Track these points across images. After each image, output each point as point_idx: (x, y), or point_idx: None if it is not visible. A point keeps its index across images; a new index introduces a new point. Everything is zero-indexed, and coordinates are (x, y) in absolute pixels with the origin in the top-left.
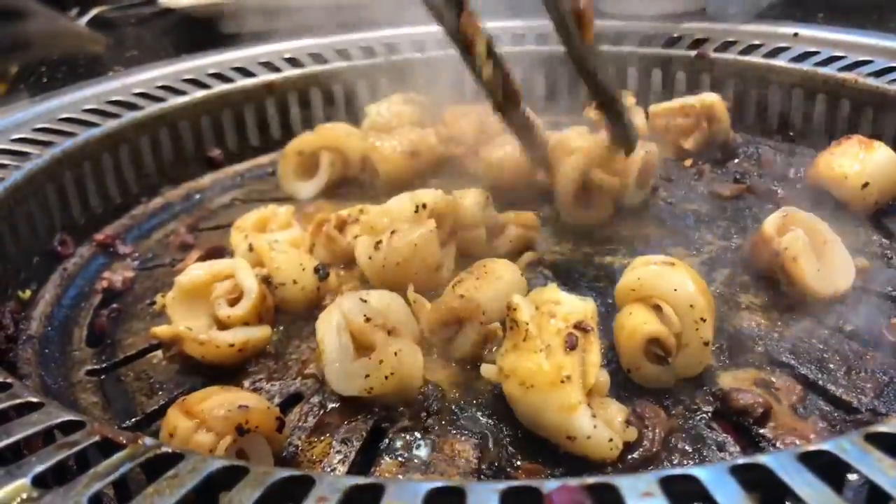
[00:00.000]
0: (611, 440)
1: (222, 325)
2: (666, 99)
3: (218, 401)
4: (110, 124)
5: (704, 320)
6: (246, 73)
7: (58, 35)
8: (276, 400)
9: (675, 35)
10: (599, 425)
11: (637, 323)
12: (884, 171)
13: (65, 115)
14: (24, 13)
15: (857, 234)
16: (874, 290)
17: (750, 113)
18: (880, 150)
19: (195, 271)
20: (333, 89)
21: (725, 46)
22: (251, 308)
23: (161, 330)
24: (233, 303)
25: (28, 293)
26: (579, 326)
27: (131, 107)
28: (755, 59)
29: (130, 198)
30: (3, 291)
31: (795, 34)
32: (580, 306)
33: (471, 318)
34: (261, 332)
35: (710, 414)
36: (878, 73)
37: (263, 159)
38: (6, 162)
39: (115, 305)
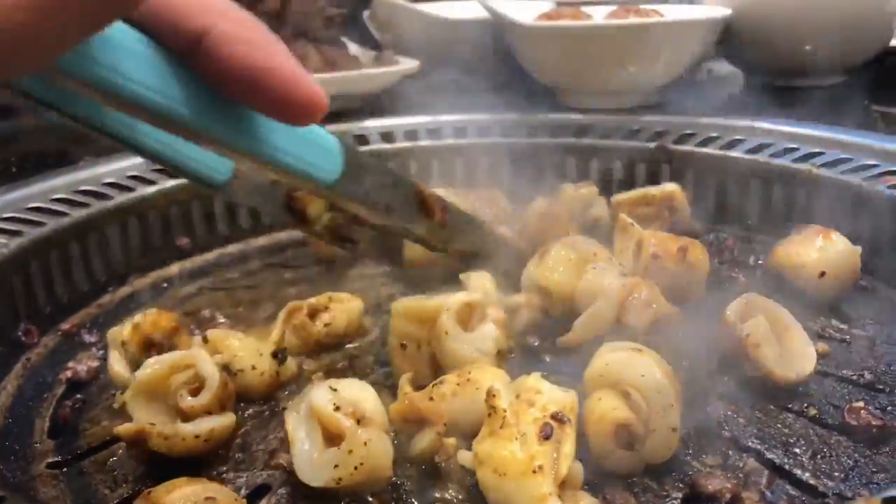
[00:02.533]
0: None
1: (185, 416)
2: (628, 189)
3: (184, 493)
4: (79, 214)
5: (672, 406)
6: None
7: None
8: (244, 491)
9: (636, 128)
10: None
11: (606, 409)
12: (840, 260)
13: (33, 205)
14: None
15: (815, 320)
16: (835, 375)
17: (709, 202)
18: (837, 240)
19: (153, 365)
20: None
21: (684, 138)
22: (213, 397)
23: (124, 429)
24: (194, 392)
25: None
26: (556, 417)
27: (101, 196)
28: (713, 150)
29: (98, 287)
30: None
31: (751, 127)
32: (560, 397)
33: (432, 424)
34: (226, 421)
35: (679, 500)
36: (831, 164)
37: (232, 248)
38: None
39: (79, 396)
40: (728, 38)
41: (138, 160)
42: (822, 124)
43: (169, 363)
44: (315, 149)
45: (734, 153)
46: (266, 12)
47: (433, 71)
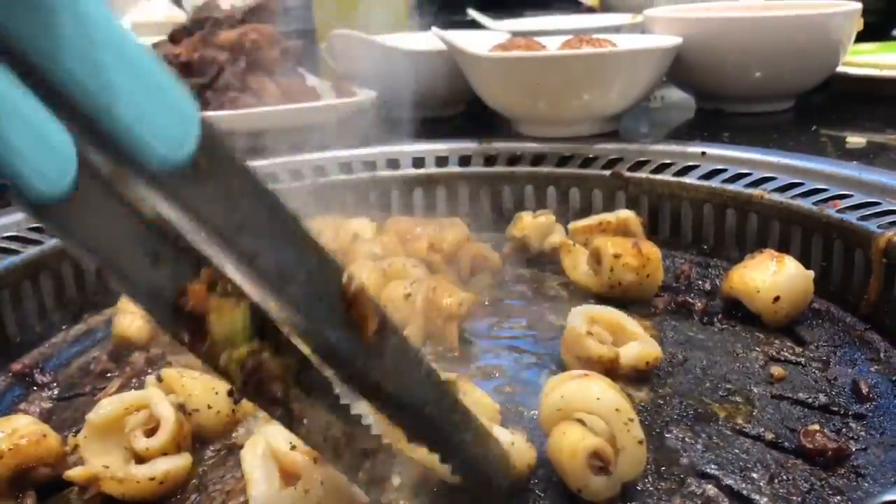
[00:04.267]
0: None
1: (140, 458)
2: (584, 216)
3: None
4: (31, 252)
5: (632, 420)
6: None
7: None
8: None
9: (591, 156)
10: None
11: (575, 441)
12: (793, 285)
13: None
14: None
15: (771, 344)
16: (790, 398)
17: (665, 227)
18: (790, 264)
19: (106, 406)
20: None
21: (639, 165)
22: (170, 437)
23: (76, 473)
24: (149, 433)
25: None
26: None
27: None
28: (666, 177)
29: (51, 325)
30: None
31: (703, 153)
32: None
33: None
34: (182, 461)
35: None
36: (782, 189)
37: None
38: None
39: None
40: (679, 66)
41: None
42: (773, 149)
43: (123, 404)
44: (157, 101)
45: (687, 179)
46: (222, 45)
47: (390, 101)
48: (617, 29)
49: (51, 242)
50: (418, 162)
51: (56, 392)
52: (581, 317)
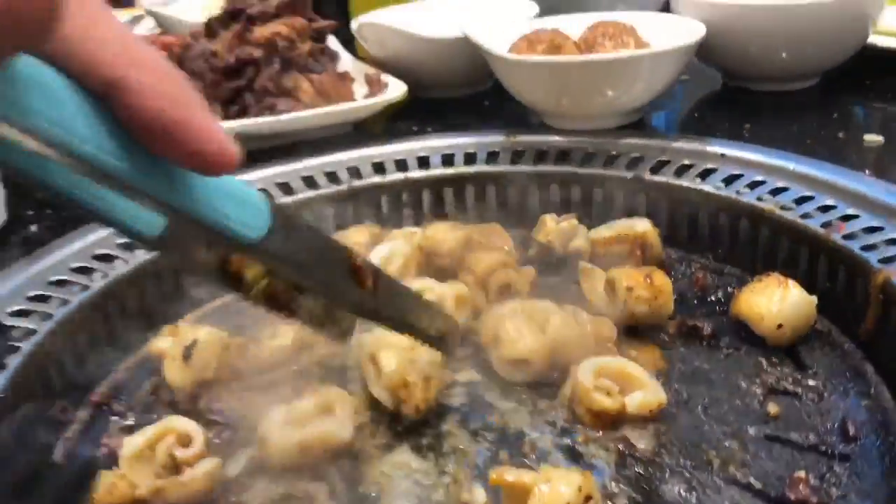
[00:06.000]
0: None
1: (179, 470)
2: (607, 214)
3: None
4: (98, 283)
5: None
6: None
7: None
8: None
9: (615, 153)
10: None
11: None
12: (796, 312)
13: (54, 278)
14: None
15: (773, 370)
16: (782, 439)
17: (682, 230)
18: (793, 291)
19: (133, 442)
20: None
21: (660, 166)
22: (204, 442)
23: (143, 492)
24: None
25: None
26: None
27: (111, 259)
28: (685, 182)
29: (117, 351)
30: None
31: (722, 155)
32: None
33: None
34: (217, 461)
35: None
36: (795, 202)
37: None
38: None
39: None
40: (705, 47)
41: None
42: (790, 153)
43: (146, 438)
44: (239, 204)
45: (706, 187)
46: (257, 42)
47: (418, 85)
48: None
49: (116, 270)
50: (447, 159)
51: (133, 420)
52: (588, 372)
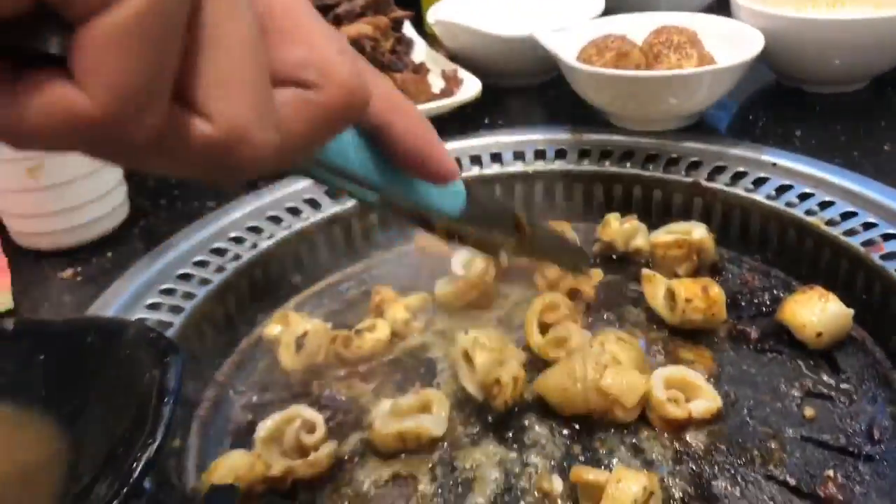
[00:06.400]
0: None
1: (304, 452)
2: (666, 214)
3: None
4: (218, 277)
5: None
6: (315, 204)
7: None
8: None
9: (675, 155)
10: None
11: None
12: (835, 322)
13: (182, 272)
14: None
15: (811, 373)
16: (815, 439)
17: (734, 233)
18: (833, 303)
19: (266, 426)
20: None
21: (716, 171)
22: (325, 429)
23: (275, 471)
24: (310, 432)
25: (178, 441)
26: None
27: (224, 252)
28: (738, 191)
29: (233, 334)
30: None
31: (774, 164)
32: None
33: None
34: (334, 444)
35: None
36: (842, 217)
37: (334, 277)
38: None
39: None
40: (761, 52)
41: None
42: (837, 167)
43: (275, 422)
44: (450, 195)
45: (757, 196)
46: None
47: (489, 77)
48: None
49: (231, 265)
50: (519, 155)
51: (255, 399)
52: (660, 383)
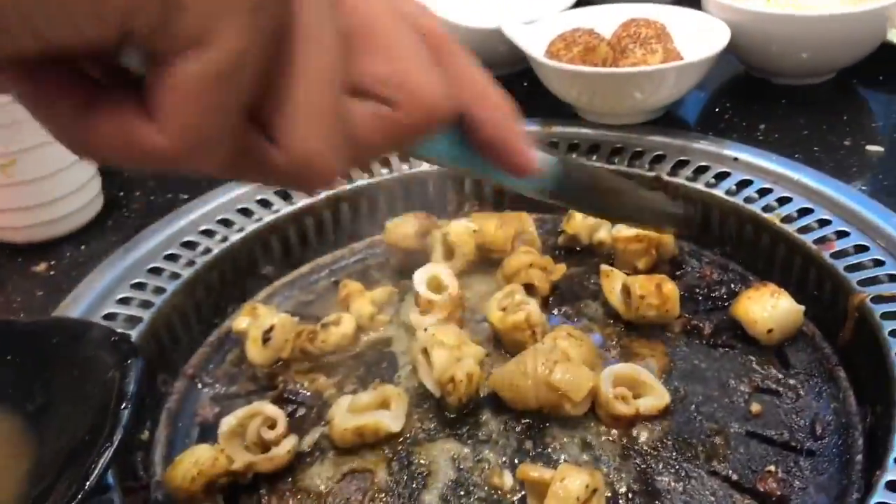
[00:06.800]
0: None
1: (265, 447)
2: None
3: None
4: (188, 272)
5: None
6: (285, 196)
7: None
8: None
9: (639, 149)
10: None
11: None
12: (786, 319)
13: (152, 265)
14: None
15: (761, 369)
16: (760, 435)
17: (696, 225)
18: (784, 300)
19: (228, 422)
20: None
21: (679, 166)
22: (286, 425)
23: (238, 465)
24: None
25: (146, 434)
26: None
27: (194, 246)
28: (699, 185)
29: (204, 326)
30: (130, 437)
31: (735, 158)
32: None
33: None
34: (295, 439)
35: None
36: (799, 213)
37: (304, 268)
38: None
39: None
40: (730, 44)
41: (221, 214)
42: (800, 162)
43: (237, 418)
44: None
45: (717, 191)
46: None
47: None
48: None
49: (200, 259)
50: None
51: (222, 391)
52: (608, 380)
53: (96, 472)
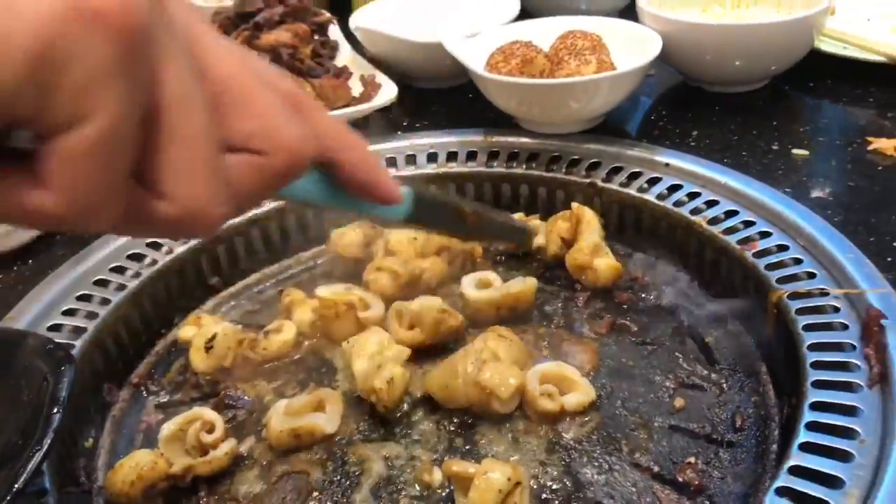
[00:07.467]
0: None
1: (204, 451)
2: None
3: None
4: (133, 283)
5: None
6: None
7: None
8: None
9: (577, 157)
10: None
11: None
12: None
13: (98, 277)
14: None
15: (686, 365)
16: (683, 429)
17: (630, 229)
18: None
19: (168, 427)
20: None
21: (614, 172)
22: (224, 429)
23: (176, 469)
24: (209, 432)
25: (91, 441)
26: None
27: (141, 259)
28: (632, 191)
29: (151, 334)
30: (73, 444)
31: (667, 164)
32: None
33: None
34: (233, 442)
35: None
36: (725, 215)
37: (251, 279)
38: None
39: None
40: (665, 53)
41: None
42: (728, 166)
43: (177, 424)
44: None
45: (648, 196)
46: (262, 48)
47: (405, 79)
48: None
49: (147, 270)
50: (432, 157)
51: (167, 398)
52: (535, 378)
53: (24, 474)
